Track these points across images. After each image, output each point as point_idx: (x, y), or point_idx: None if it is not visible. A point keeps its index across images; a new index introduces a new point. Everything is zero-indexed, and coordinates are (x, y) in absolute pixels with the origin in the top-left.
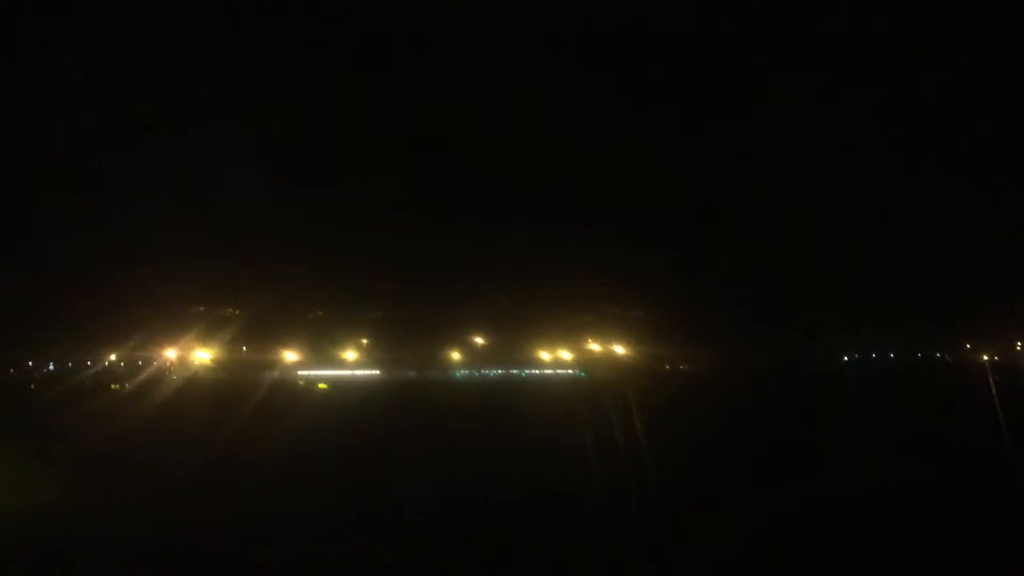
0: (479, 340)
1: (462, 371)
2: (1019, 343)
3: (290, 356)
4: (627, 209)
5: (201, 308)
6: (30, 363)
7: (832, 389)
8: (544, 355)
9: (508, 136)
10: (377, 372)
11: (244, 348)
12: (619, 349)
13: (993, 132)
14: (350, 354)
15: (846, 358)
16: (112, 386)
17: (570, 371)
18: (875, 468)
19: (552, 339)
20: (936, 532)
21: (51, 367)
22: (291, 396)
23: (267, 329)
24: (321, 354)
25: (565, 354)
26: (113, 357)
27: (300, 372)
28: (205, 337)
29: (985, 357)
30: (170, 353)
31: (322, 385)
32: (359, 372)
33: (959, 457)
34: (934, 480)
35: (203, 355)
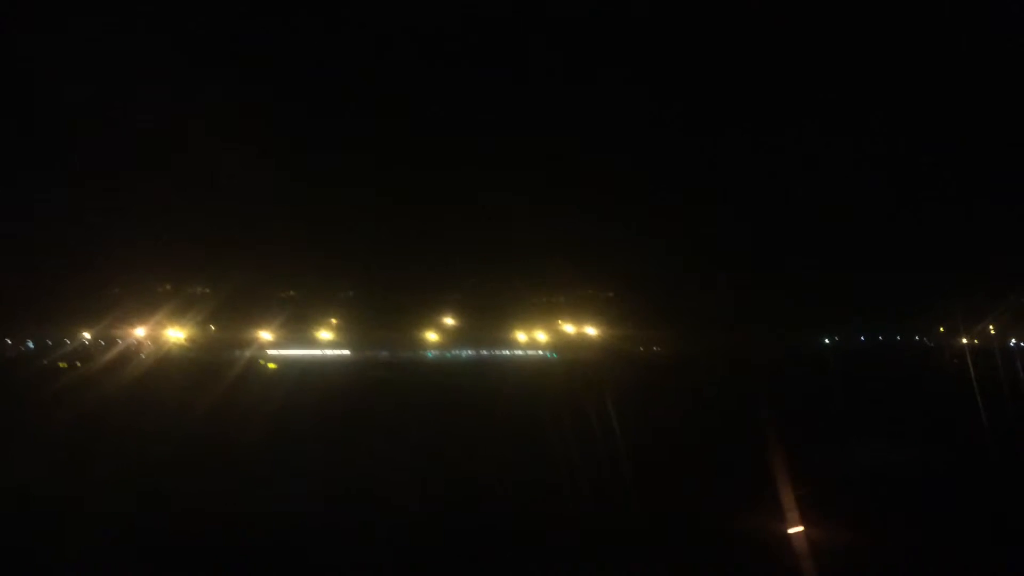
0: (448, 321)
1: (432, 351)
2: (992, 327)
3: (251, 335)
4: (605, 191)
5: (168, 286)
6: (8, 340)
7: (810, 373)
8: (514, 336)
9: (481, 117)
10: (346, 352)
11: (212, 327)
12: (591, 331)
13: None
14: (315, 334)
15: (827, 341)
16: (60, 364)
17: (541, 352)
18: (857, 452)
19: (523, 320)
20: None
21: (30, 344)
22: (247, 376)
23: (229, 308)
24: (284, 334)
25: (536, 335)
26: (87, 335)
27: (268, 352)
28: (170, 316)
29: (965, 341)
30: (138, 331)
31: (271, 365)
32: (326, 352)
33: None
34: (915, 464)
35: (173, 334)
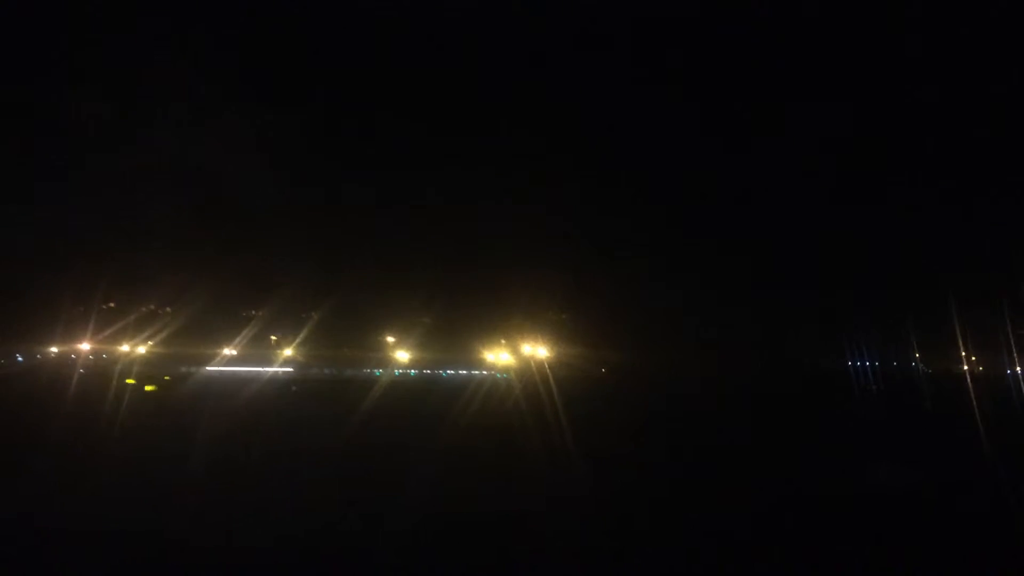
0: (399, 340)
1: (380, 370)
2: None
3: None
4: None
5: (112, 304)
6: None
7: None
8: (467, 357)
9: (444, 133)
10: (290, 370)
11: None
12: (544, 352)
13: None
14: (272, 352)
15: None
16: None
17: (489, 373)
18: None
19: (478, 341)
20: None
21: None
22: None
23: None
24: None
25: (489, 356)
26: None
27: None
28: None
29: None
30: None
31: (149, 387)
32: (268, 369)
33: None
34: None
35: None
